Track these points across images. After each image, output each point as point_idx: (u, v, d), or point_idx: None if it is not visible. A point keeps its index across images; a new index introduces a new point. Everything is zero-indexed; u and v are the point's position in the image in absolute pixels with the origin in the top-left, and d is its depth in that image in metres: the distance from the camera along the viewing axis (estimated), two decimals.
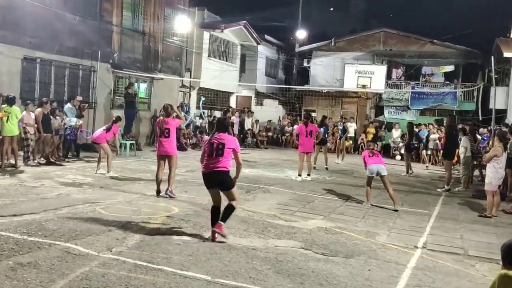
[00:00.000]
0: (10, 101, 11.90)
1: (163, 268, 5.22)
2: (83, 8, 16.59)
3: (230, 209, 6.54)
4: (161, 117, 9.53)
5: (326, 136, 17.61)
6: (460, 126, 15.43)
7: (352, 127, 24.39)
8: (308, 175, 13.39)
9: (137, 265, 5.24)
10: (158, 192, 9.26)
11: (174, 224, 7.18)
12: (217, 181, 6.52)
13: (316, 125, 15.13)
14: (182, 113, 20.43)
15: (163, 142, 9.26)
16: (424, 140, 21.11)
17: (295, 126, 19.62)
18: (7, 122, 11.59)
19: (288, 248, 6.35)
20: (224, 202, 6.61)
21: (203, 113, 23.57)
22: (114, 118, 12.54)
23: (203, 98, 23.14)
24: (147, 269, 5.15)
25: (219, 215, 6.50)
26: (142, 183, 10.82)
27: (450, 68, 28.61)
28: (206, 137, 7.28)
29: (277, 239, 6.79)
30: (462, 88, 27.08)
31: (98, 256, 5.47)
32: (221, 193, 6.62)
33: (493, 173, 9.61)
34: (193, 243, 6.24)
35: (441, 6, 43.10)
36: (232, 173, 6.64)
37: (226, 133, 6.77)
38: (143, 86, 20.14)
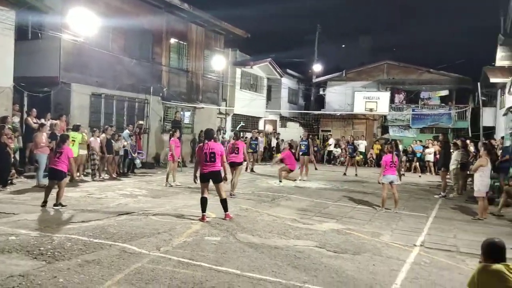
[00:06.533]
0: (76, 128, 12.55)
1: (201, 264, 5.31)
2: (138, 52, 17.11)
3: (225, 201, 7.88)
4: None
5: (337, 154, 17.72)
6: (455, 141, 14.97)
7: (362, 144, 24.50)
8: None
9: (180, 262, 5.34)
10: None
11: (211, 228, 7.27)
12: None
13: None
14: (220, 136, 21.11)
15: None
16: (419, 154, 21.72)
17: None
18: (72, 146, 11.96)
19: (305, 247, 6.34)
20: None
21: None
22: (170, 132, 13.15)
23: (241, 123, 23.19)
24: (188, 265, 5.24)
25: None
26: (186, 193, 10.90)
27: (445, 92, 27.93)
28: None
29: (296, 240, 6.79)
30: (456, 109, 26.52)
31: (148, 254, 5.60)
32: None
33: (480, 181, 9.35)
34: (226, 243, 6.30)
35: (436, 39, 42.95)
36: None
37: (212, 140, 7.77)
38: (187, 114, 20.42)
